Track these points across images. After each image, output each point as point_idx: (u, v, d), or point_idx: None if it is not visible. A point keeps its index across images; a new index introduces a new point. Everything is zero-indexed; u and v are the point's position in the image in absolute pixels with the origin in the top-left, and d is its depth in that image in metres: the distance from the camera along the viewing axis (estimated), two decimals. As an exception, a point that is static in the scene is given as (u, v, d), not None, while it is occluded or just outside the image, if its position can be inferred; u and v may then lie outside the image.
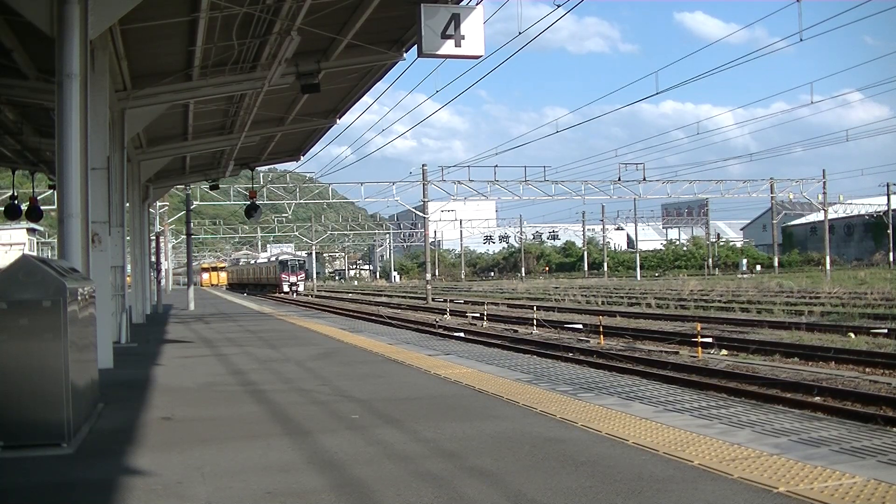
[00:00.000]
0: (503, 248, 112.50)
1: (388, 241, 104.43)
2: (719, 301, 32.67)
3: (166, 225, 54.55)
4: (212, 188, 30.85)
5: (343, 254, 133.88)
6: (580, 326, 22.11)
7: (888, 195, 70.71)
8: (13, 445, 4.99)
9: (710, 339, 16.97)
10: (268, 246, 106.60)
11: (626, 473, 4.18)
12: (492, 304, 34.13)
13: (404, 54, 13.62)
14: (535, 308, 28.82)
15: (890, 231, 67.01)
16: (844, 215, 78.23)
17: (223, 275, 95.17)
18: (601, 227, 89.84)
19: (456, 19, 9.56)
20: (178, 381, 8.53)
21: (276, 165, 45.29)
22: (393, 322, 26.11)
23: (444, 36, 9.53)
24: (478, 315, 27.47)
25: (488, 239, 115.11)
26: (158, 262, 34.19)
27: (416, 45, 9.91)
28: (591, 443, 4.91)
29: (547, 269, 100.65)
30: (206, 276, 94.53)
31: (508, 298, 42.24)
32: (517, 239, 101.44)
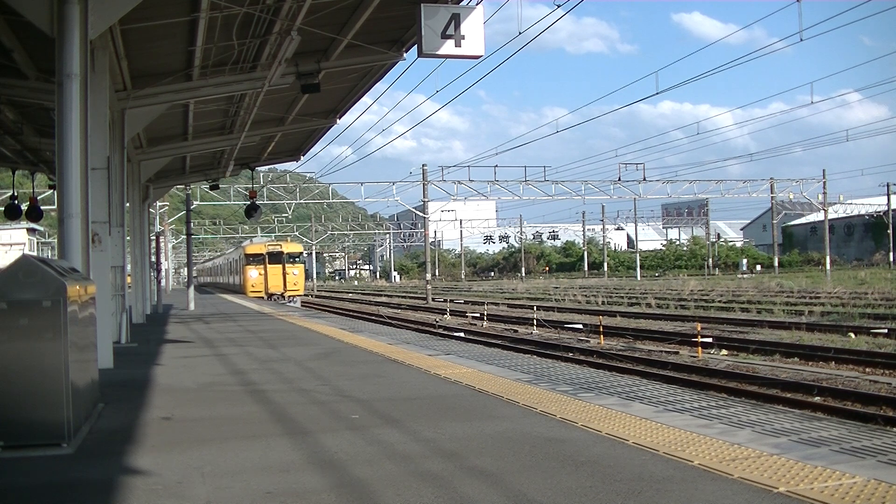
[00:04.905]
0: (503, 248, 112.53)
1: (388, 241, 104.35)
2: (719, 301, 32.67)
3: (166, 225, 54.54)
4: (212, 188, 30.85)
5: (343, 254, 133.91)
6: (580, 326, 22.13)
7: (888, 195, 70.71)
8: (13, 445, 4.99)
9: (710, 339, 16.98)
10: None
11: (626, 473, 4.18)
12: (492, 304, 34.13)
13: (404, 54, 13.63)
14: (535, 308, 28.82)
15: (890, 231, 67.00)
16: (844, 215, 78.25)
17: (297, 271, 43.08)
18: (601, 227, 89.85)
19: (456, 19, 9.56)
20: (178, 381, 8.53)
21: (276, 165, 45.25)
22: (393, 322, 26.12)
23: (444, 36, 9.52)
24: (478, 315, 27.47)
25: (488, 239, 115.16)
26: (158, 262, 34.18)
27: (416, 45, 9.91)
28: (591, 443, 4.91)
29: (547, 269, 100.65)
30: (254, 273, 42.41)
31: (508, 298, 42.23)
32: (517, 239, 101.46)
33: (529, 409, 6.05)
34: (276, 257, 42.26)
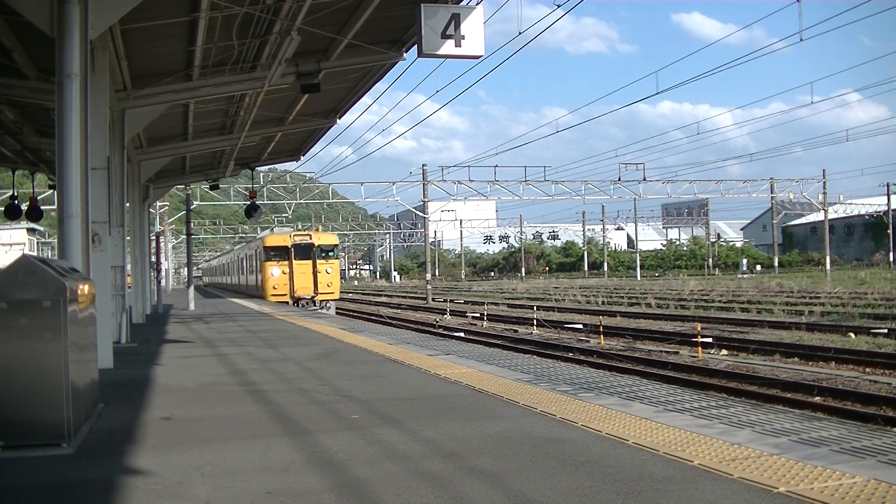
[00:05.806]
0: (503, 248, 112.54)
1: (388, 241, 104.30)
2: (719, 301, 32.68)
3: (166, 225, 54.52)
4: (212, 188, 30.83)
5: (343, 254, 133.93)
6: (580, 326, 22.14)
7: (888, 195, 70.74)
8: (13, 445, 4.99)
9: (710, 339, 16.99)
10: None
11: (626, 473, 4.18)
12: (492, 304, 34.14)
13: (404, 54, 13.63)
14: (535, 308, 28.83)
15: (890, 231, 67.04)
16: (844, 215, 78.28)
17: (332, 269, 32.91)
18: (601, 227, 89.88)
19: (456, 19, 9.56)
20: (178, 381, 8.53)
21: (276, 165, 45.26)
22: (393, 322, 26.13)
23: (444, 36, 9.53)
24: (478, 315, 27.48)
25: (488, 239, 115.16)
26: (158, 262, 34.15)
27: (416, 45, 9.91)
28: (591, 443, 4.90)
29: (547, 269, 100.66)
30: (276, 271, 32.17)
31: (508, 298, 42.24)
32: (517, 239, 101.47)
33: (529, 409, 6.05)
34: (304, 251, 32.30)
